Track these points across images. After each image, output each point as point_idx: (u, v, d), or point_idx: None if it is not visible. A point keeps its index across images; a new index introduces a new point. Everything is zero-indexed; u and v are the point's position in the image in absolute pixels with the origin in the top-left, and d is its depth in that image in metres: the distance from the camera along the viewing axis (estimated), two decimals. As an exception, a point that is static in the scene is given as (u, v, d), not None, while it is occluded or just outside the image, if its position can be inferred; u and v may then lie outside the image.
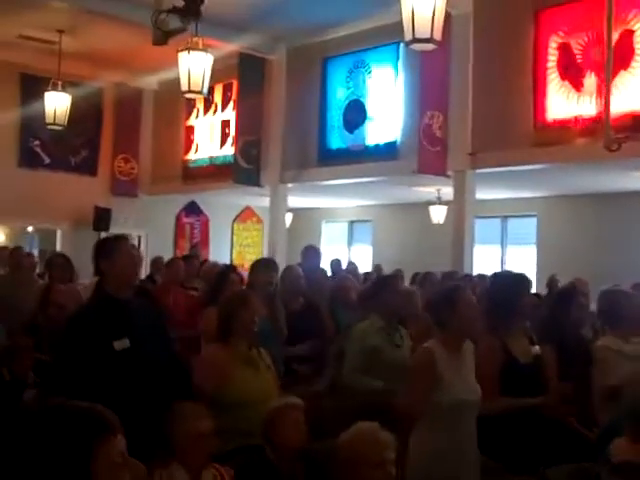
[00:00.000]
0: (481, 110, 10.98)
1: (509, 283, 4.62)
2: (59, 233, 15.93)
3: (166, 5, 7.53)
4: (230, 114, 15.03)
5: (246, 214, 17.02)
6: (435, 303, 4.25)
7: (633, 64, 9.52)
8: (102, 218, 15.28)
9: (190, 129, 16.20)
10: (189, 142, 16.19)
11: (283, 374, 5.37)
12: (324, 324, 6.44)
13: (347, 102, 12.98)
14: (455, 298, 4.08)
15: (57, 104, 13.14)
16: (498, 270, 12.28)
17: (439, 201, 14.25)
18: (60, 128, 13.45)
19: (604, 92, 8.47)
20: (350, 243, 18.34)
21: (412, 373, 4.10)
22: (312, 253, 8.06)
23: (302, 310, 6.31)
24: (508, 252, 15.14)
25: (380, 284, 5.94)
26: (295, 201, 15.35)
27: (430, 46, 7.20)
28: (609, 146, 7.53)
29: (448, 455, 3.88)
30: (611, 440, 3.23)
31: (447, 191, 12.34)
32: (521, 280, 4.63)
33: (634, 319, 4.99)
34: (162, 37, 7.56)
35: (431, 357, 3.99)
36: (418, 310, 6.28)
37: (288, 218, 15.43)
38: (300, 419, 3.80)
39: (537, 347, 4.54)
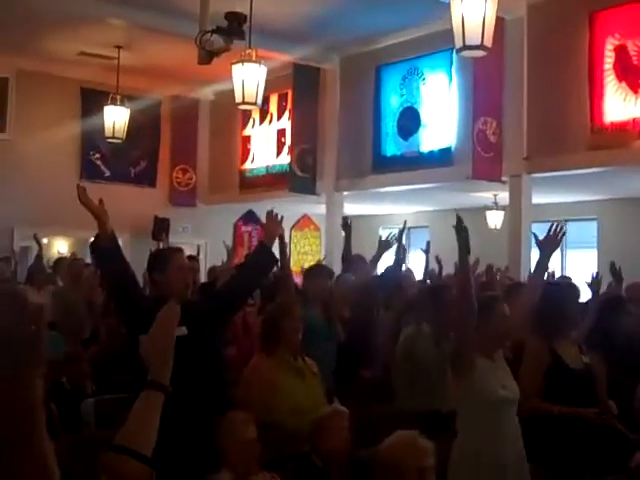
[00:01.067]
0: (536, 114, 10.90)
1: (559, 291, 4.61)
2: (120, 243, 16.18)
3: (210, 25, 7.66)
4: (285, 123, 15.15)
5: (303, 222, 17.05)
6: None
7: (692, 63, 9.37)
8: (161, 228, 15.49)
9: (246, 139, 16.38)
10: (246, 152, 16.36)
11: (347, 380, 5.43)
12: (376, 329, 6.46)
13: (401, 109, 12.98)
14: (491, 308, 4.07)
15: (116, 118, 13.43)
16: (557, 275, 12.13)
17: (496, 206, 14.15)
18: (119, 141, 13.76)
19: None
20: (407, 249, 18.26)
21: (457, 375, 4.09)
22: (359, 262, 8.06)
23: (351, 319, 6.35)
24: (568, 256, 14.93)
25: (429, 294, 5.93)
26: (351, 208, 15.38)
27: (481, 53, 7.22)
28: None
29: (491, 455, 3.88)
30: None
31: (504, 196, 12.26)
32: (570, 288, 4.61)
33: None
34: (207, 56, 7.70)
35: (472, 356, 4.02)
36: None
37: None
38: (345, 426, 3.86)
39: (587, 357, 4.52)
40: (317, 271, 6.51)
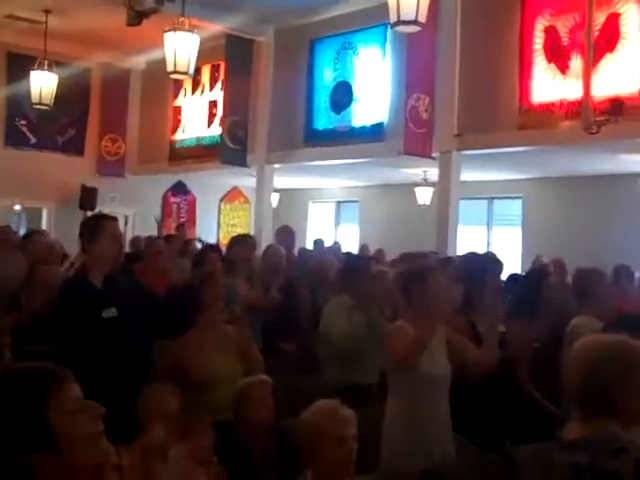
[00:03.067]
0: (467, 92, 11.02)
1: (478, 264, 4.67)
2: (44, 212, 15.94)
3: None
4: (217, 95, 15.02)
5: (233, 194, 17.01)
6: (406, 282, 4.27)
7: (618, 47, 9.55)
8: (88, 197, 15.27)
9: (177, 109, 16.20)
10: (176, 122, 16.19)
11: (265, 352, 5.42)
12: (302, 303, 6.49)
13: (334, 83, 12.99)
14: (426, 279, 4.10)
15: (43, 84, 13.11)
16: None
17: (425, 182, 14.31)
18: (46, 108, 13.44)
19: (588, 75, 8.54)
20: (337, 223, 18.40)
21: (391, 336, 4.11)
22: (286, 233, 8.07)
23: (281, 289, 6.37)
24: (493, 233, 15.21)
25: (351, 267, 5.95)
26: (282, 181, 15.39)
27: (415, 28, 7.27)
28: (588, 128, 7.58)
29: (421, 426, 3.95)
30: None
31: (433, 173, 12.40)
32: (490, 261, 4.68)
33: (606, 298, 5.03)
34: (136, 17, 7.55)
35: (403, 330, 4.04)
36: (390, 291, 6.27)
37: (275, 198, 15.47)
38: (269, 395, 3.88)
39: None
40: (241, 241, 6.47)
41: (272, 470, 3.70)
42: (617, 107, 8.89)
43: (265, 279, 6.25)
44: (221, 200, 16.84)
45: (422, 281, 4.08)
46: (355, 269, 5.73)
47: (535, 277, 5.61)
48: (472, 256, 5.04)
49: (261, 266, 6.37)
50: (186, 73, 9.31)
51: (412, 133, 11.03)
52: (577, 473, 2.49)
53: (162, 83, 15.38)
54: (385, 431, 4.00)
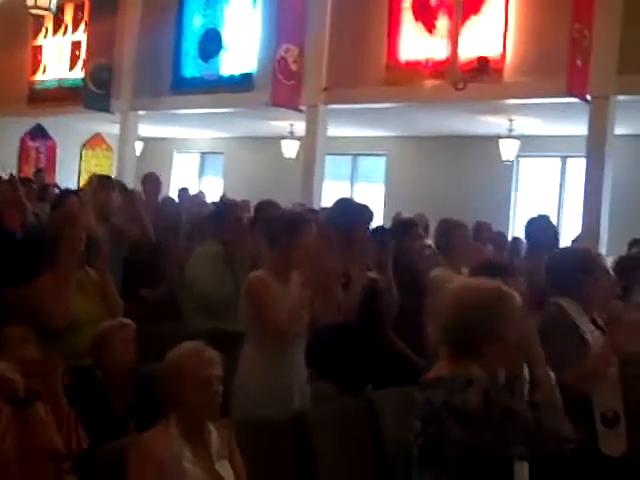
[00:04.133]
0: (337, 46, 11.06)
1: (349, 212, 4.72)
2: None
3: None
4: (81, 36, 14.48)
5: (95, 140, 16.58)
6: (276, 226, 4.22)
7: (483, 9, 9.80)
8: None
9: (37, 49, 15.51)
10: (36, 63, 15.50)
11: (129, 299, 5.31)
12: (168, 250, 6.41)
13: (203, 30, 12.77)
14: (299, 227, 4.09)
15: None
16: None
17: (292, 136, 14.32)
18: None
19: (455, 33, 8.73)
20: (201, 175, 18.21)
21: (255, 300, 4.08)
22: (152, 181, 7.90)
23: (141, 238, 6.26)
24: (357, 189, 15.42)
25: (217, 213, 5.90)
26: (147, 130, 15.05)
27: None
28: (455, 84, 7.76)
29: (277, 375, 3.97)
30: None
31: (300, 127, 12.41)
32: (360, 211, 4.73)
33: (464, 249, 5.19)
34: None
35: (263, 282, 4.04)
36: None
37: (139, 147, 15.12)
38: (129, 339, 3.82)
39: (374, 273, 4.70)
40: (102, 183, 6.27)
41: (130, 415, 3.64)
42: (483, 65, 9.19)
43: (124, 226, 6.11)
44: (83, 146, 16.37)
45: (296, 229, 4.06)
46: (221, 214, 5.69)
47: (399, 227, 5.72)
48: (342, 204, 5.07)
49: (121, 212, 6.23)
50: (48, 9, 8.95)
51: (280, 84, 10.99)
52: (430, 411, 2.58)
53: (21, 20, 14.62)
54: (239, 378, 3.99)
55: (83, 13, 14.37)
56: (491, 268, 3.53)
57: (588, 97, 8.94)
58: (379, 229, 5.33)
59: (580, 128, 9.41)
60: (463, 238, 5.30)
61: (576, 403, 3.35)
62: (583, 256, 4.00)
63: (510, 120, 11.84)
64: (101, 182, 6.32)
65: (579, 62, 8.68)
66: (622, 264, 5.10)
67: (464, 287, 2.80)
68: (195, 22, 12.87)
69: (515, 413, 2.55)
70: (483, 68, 9.10)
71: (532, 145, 12.79)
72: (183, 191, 10.72)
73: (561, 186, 13.24)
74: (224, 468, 2.98)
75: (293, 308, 3.91)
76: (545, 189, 13.40)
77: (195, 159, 18.34)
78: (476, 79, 8.07)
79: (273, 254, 4.15)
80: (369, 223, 4.89)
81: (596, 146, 9.04)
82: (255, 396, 3.94)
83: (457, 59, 8.13)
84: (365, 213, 4.81)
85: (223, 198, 9.88)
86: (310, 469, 3.69)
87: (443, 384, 2.59)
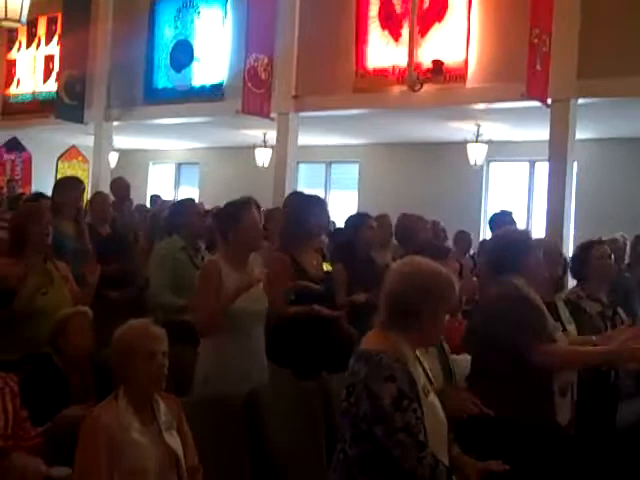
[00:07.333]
0: (306, 55, 11.24)
1: (302, 204, 4.87)
2: None
3: None
4: (54, 49, 14.61)
5: (71, 153, 16.61)
6: (221, 217, 4.39)
7: (446, 17, 10.03)
8: None
9: (11, 62, 15.63)
10: (10, 76, 15.62)
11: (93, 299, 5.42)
12: (132, 249, 6.55)
13: (174, 42, 12.93)
14: (241, 214, 4.24)
15: None
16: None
17: (264, 144, 14.49)
18: None
19: (415, 39, 8.96)
20: (177, 185, 18.34)
21: (199, 284, 4.25)
22: (120, 184, 8.08)
23: (110, 235, 6.40)
24: (331, 196, 15.58)
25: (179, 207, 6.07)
26: (122, 141, 15.17)
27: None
28: (412, 86, 7.95)
29: (236, 359, 4.11)
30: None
31: (273, 135, 12.57)
32: (314, 202, 4.88)
33: (425, 241, 5.35)
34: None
35: (216, 267, 4.18)
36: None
37: (114, 158, 15.24)
38: (86, 326, 3.96)
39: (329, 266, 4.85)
40: (70, 184, 6.39)
41: (90, 399, 3.77)
42: (438, 66, 9.43)
43: (92, 225, 6.24)
44: (59, 158, 16.43)
45: (238, 216, 4.22)
46: (181, 209, 5.86)
47: (355, 222, 5.84)
48: (296, 197, 5.24)
49: (89, 212, 6.37)
50: (18, 21, 8.99)
51: (250, 93, 11.15)
52: (354, 382, 2.75)
53: (-6, 35, 14.79)
54: (199, 360, 4.14)
55: (56, 26, 14.51)
56: (431, 249, 3.69)
57: (549, 101, 9.16)
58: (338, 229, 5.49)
59: (547, 133, 9.60)
60: (424, 232, 5.49)
61: (538, 376, 3.58)
62: (523, 236, 4.15)
63: (477, 125, 12.08)
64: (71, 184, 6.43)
65: (538, 66, 8.89)
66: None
67: (410, 260, 2.97)
68: (166, 33, 13.03)
69: (411, 433, 2.66)
70: (438, 70, 9.32)
71: (501, 150, 13.04)
72: (155, 198, 10.89)
73: (530, 189, 13.49)
74: (172, 438, 3.13)
75: (217, 307, 4.05)
76: (515, 192, 13.64)
77: (171, 169, 18.48)
78: (431, 81, 8.28)
79: (226, 244, 4.31)
80: (325, 215, 5.00)
81: (558, 148, 9.24)
82: (215, 375, 4.08)
83: (414, 62, 8.33)
84: (318, 204, 4.92)
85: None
86: (263, 444, 3.82)
87: (371, 362, 2.74)
